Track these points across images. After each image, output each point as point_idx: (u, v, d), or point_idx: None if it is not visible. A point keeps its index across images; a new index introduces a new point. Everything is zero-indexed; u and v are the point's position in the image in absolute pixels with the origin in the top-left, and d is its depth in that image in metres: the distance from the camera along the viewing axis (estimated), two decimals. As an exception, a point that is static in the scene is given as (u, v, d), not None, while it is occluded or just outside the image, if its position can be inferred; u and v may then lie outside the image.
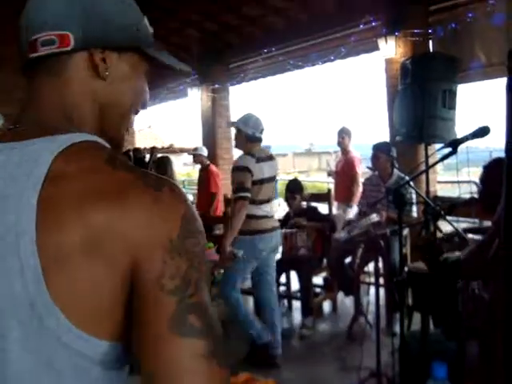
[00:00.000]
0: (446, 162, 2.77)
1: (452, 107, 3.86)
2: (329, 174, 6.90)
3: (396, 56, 5.55)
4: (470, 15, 5.31)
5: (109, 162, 0.68)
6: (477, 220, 4.25)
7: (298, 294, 4.78)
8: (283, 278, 5.04)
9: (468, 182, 4.80)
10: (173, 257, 0.64)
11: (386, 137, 5.65)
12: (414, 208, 4.40)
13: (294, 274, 4.99)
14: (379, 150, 4.62)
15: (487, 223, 3.36)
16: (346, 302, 5.04)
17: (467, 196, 3.83)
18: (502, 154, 1.46)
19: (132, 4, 0.81)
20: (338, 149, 6.54)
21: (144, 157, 8.02)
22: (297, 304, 4.95)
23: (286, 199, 5.01)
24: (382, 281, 4.40)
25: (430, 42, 5.62)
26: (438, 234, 3.70)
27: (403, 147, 4.98)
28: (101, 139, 0.75)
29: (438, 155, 2.87)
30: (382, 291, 4.08)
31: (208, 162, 6.65)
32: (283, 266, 4.80)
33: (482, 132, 2.37)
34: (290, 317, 5.00)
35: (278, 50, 7.37)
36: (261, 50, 7.47)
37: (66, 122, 0.75)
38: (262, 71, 8.64)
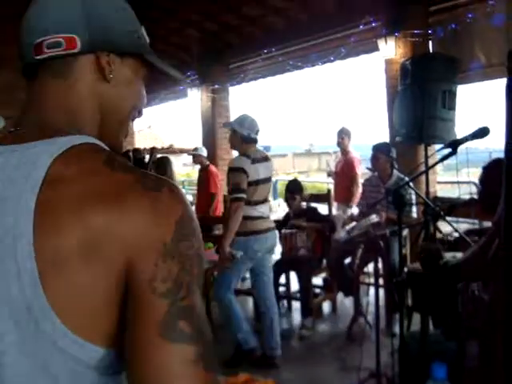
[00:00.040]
0: (445, 162, 2.78)
1: (452, 108, 3.86)
2: (328, 175, 6.90)
3: (396, 56, 5.55)
4: (470, 16, 5.31)
5: (107, 163, 0.68)
6: (476, 220, 4.26)
7: (298, 295, 4.78)
8: (283, 279, 5.04)
9: (468, 182, 4.80)
10: (165, 260, 0.64)
11: (385, 137, 5.66)
12: (414, 209, 4.40)
13: (293, 275, 4.99)
14: (379, 150, 4.62)
15: (487, 224, 3.36)
16: (345, 302, 5.04)
17: (467, 197, 3.83)
18: (502, 155, 1.46)
19: (132, 13, 0.83)
20: (338, 149, 6.54)
21: (143, 157, 8.02)
22: (296, 304, 4.95)
23: (286, 200, 5.01)
24: (381, 281, 4.40)
25: (430, 42, 5.62)
26: (438, 235, 3.70)
27: (403, 148, 4.99)
28: (100, 142, 0.76)
29: (438, 156, 2.87)
30: (381, 292, 4.08)
31: (208, 163, 6.65)
32: (283, 267, 4.80)
33: (482, 133, 2.37)
34: (290, 317, 5.00)
35: (277, 50, 7.37)
36: (261, 51, 7.47)
37: (68, 125, 0.75)
38: (262, 72, 8.65)
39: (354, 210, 5.60)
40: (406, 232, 4.54)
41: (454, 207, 3.60)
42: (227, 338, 3.80)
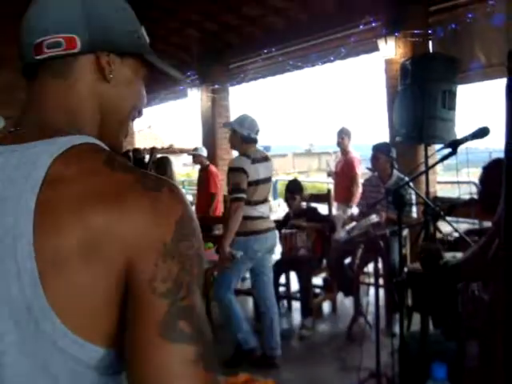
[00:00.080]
0: (445, 162, 2.78)
1: (452, 108, 3.86)
2: (328, 175, 6.90)
3: (396, 56, 5.55)
4: (470, 16, 5.31)
5: (108, 163, 0.68)
6: (476, 220, 4.26)
7: (298, 295, 4.78)
8: (283, 279, 5.04)
9: (468, 182, 4.80)
10: (165, 260, 0.64)
11: (385, 137, 5.66)
12: (414, 209, 4.40)
13: (293, 275, 4.99)
14: (379, 150, 4.62)
15: (487, 224, 3.36)
16: (345, 302, 5.04)
17: (467, 197, 3.83)
18: (502, 155, 1.46)
19: (132, 13, 0.84)
20: (338, 149, 6.54)
21: (143, 157, 8.02)
22: (296, 304, 4.95)
23: (286, 200, 5.01)
24: (381, 281, 4.40)
25: (430, 42, 5.62)
26: (438, 235, 3.70)
27: (403, 148, 4.99)
28: (100, 142, 0.76)
29: (438, 156, 2.87)
30: (381, 292, 4.08)
31: (208, 163, 6.65)
32: (283, 267, 4.80)
33: (482, 133, 2.37)
34: (290, 317, 5.00)
35: (277, 50, 7.37)
36: (261, 51, 7.47)
37: (68, 125, 0.75)
38: (262, 72, 8.65)
39: (354, 210, 5.60)
40: (406, 232, 4.54)
41: (453, 207, 3.61)
42: (227, 337, 3.80)
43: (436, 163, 3.06)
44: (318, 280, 5.11)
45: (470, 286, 2.35)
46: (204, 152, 6.68)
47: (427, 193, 3.76)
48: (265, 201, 3.77)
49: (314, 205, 5.25)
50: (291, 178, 9.17)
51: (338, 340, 4.23)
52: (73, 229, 0.62)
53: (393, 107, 4.32)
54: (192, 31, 8.20)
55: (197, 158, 6.65)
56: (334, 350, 4.04)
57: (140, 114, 0.90)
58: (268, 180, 3.79)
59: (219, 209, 6.48)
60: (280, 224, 4.97)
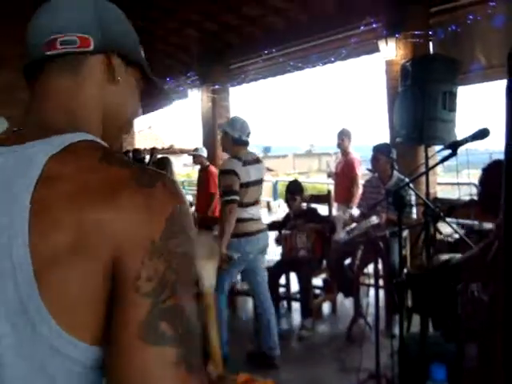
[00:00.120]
0: (445, 163, 2.78)
1: (452, 109, 3.86)
2: (329, 176, 6.90)
3: (396, 58, 5.55)
4: (471, 17, 5.31)
5: (104, 159, 0.68)
6: (476, 222, 4.26)
7: (298, 296, 4.78)
8: (283, 280, 5.04)
9: (468, 183, 4.79)
10: (151, 258, 0.63)
11: (386, 138, 5.66)
12: (414, 210, 4.40)
13: (293, 276, 4.99)
14: (379, 151, 4.62)
15: (486, 225, 3.36)
16: (345, 303, 5.03)
17: (467, 198, 3.83)
18: (502, 156, 1.46)
19: (133, 29, 0.86)
20: (338, 150, 6.54)
21: (144, 158, 8.03)
22: (296, 305, 4.94)
23: (286, 200, 5.01)
24: (381, 282, 4.40)
25: (431, 43, 5.63)
26: (438, 236, 3.70)
27: (403, 149, 4.99)
28: (98, 139, 0.76)
29: (438, 157, 2.87)
30: (381, 293, 4.08)
31: (208, 163, 6.65)
32: (283, 268, 4.80)
33: (482, 134, 2.37)
34: (290, 318, 4.99)
35: (278, 50, 7.38)
36: (261, 51, 7.47)
37: (70, 123, 0.75)
38: (263, 72, 8.65)
39: (355, 211, 5.60)
40: (406, 233, 4.54)
41: (453, 208, 3.61)
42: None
43: (436, 164, 3.06)
44: (317, 281, 5.10)
45: (470, 287, 2.34)
46: (204, 152, 6.68)
47: (427, 194, 3.76)
48: (255, 203, 3.78)
49: (314, 206, 5.25)
50: (291, 178, 9.18)
51: (338, 341, 4.23)
52: (67, 227, 0.62)
53: (393, 108, 4.32)
54: (192, 31, 8.20)
55: (197, 159, 6.65)
56: (334, 351, 4.04)
57: (131, 126, 0.91)
58: (259, 182, 3.80)
59: (219, 209, 6.48)
60: (280, 225, 4.98)
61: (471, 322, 2.27)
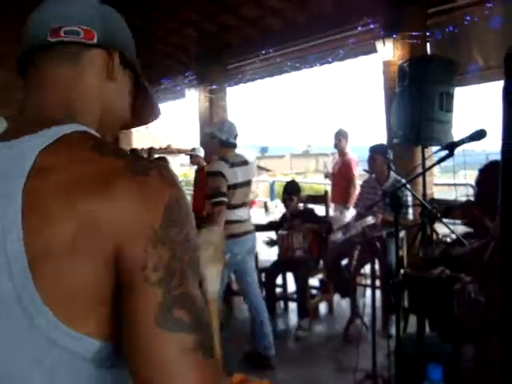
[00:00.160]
0: (442, 164, 2.78)
1: (449, 110, 3.87)
2: (326, 176, 6.90)
3: (394, 58, 5.56)
4: (468, 18, 5.32)
5: (97, 149, 0.68)
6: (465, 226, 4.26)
7: (294, 296, 4.77)
8: (279, 280, 5.04)
9: (465, 184, 4.81)
10: (155, 246, 0.63)
11: (383, 139, 5.66)
12: (411, 210, 4.40)
13: (290, 276, 4.99)
14: (376, 152, 4.62)
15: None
16: (342, 303, 5.04)
17: (464, 198, 3.84)
18: (499, 157, 1.47)
19: (131, 34, 0.88)
20: (335, 151, 6.55)
21: (141, 157, 8.00)
22: (293, 305, 4.95)
23: (284, 200, 5.01)
24: (378, 283, 4.40)
25: (428, 44, 5.63)
26: (434, 237, 3.70)
27: (400, 149, 4.99)
28: (92, 130, 0.76)
29: (435, 158, 2.87)
30: (378, 293, 4.08)
31: (205, 163, 6.64)
32: (279, 268, 4.80)
33: (479, 135, 2.38)
34: (286, 318, 5.00)
35: (275, 51, 7.38)
36: (259, 52, 7.47)
37: (67, 114, 0.76)
38: (260, 72, 8.65)
39: (351, 212, 5.61)
40: (402, 234, 4.55)
41: (450, 209, 3.61)
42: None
43: (433, 165, 3.06)
44: (314, 281, 5.10)
45: (466, 288, 2.35)
46: (201, 152, 6.68)
47: (424, 195, 3.77)
48: (243, 204, 3.77)
49: (311, 206, 5.24)
50: (289, 179, 9.19)
51: (335, 341, 4.23)
52: (61, 218, 0.62)
53: (390, 109, 4.33)
54: (191, 31, 8.20)
55: (194, 159, 6.65)
56: (331, 351, 4.04)
57: (121, 128, 0.92)
58: (247, 184, 3.80)
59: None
60: (277, 225, 4.98)
61: (468, 323, 2.28)
